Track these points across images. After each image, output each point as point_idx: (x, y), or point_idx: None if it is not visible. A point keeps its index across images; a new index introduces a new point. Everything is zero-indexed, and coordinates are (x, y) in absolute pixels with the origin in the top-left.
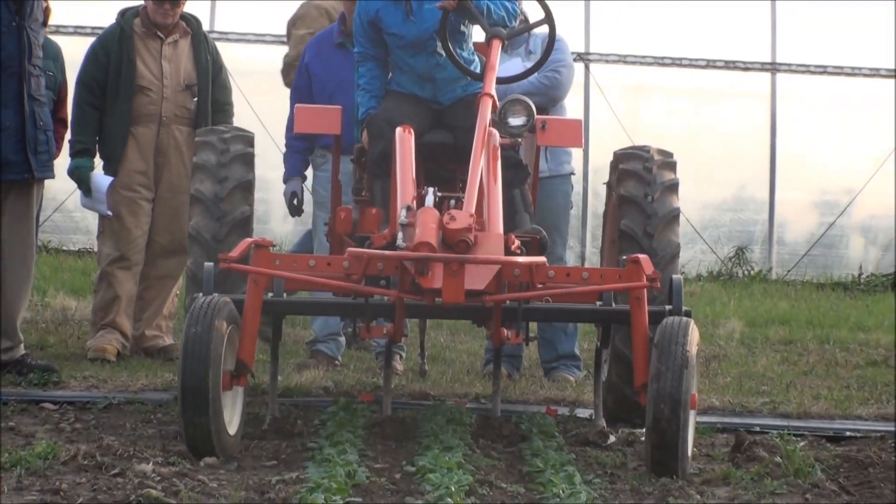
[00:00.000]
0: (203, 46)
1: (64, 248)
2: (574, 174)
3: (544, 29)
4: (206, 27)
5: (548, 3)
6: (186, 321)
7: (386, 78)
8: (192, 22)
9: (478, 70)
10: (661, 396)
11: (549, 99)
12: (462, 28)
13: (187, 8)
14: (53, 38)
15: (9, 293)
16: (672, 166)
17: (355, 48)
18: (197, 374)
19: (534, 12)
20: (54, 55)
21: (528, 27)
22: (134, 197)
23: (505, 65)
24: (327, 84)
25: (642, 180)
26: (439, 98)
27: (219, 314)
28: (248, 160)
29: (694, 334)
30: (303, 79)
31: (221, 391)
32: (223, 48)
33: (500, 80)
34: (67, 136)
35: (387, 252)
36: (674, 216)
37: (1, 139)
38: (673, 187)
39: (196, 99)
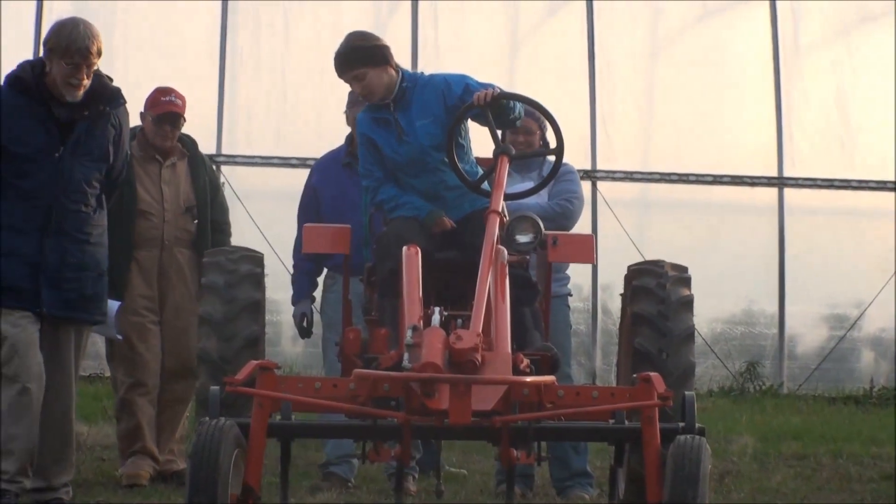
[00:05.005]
0: (201, 168)
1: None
2: (571, 295)
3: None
4: (212, 150)
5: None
6: (192, 446)
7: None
8: (188, 144)
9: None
10: None
11: (558, 226)
12: (460, 140)
13: (190, 130)
14: None
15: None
16: (686, 282)
17: (360, 168)
18: (203, 500)
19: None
20: None
21: (536, 153)
22: (141, 321)
23: (516, 186)
24: (336, 204)
25: (656, 297)
26: (448, 215)
27: (224, 438)
28: (256, 280)
29: (707, 457)
30: (309, 199)
31: None
32: (230, 171)
33: (505, 197)
34: None
35: (392, 373)
36: (689, 334)
37: (11, 264)
38: (688, 304)
39: (196, 221)
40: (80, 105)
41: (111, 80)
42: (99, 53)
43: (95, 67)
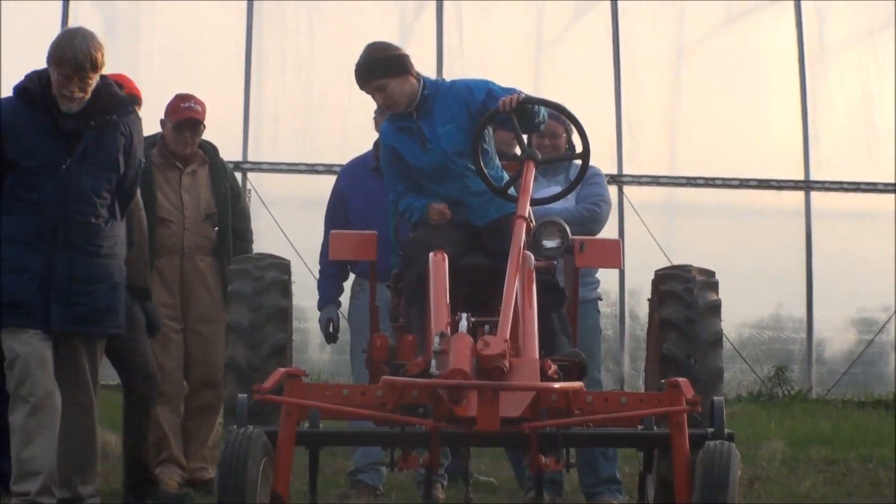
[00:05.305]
0: (222, 175)
1: (102, 382)
2: (601, 299)
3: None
4: (238, 157)
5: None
6: (220, 454)
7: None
8: (209, 150)
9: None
10: None
11: (586, 230)
12: (485, 146)
13: (216, 137)
14: None
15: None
16: (714, 286)
17: (385, 182)
18: None
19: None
20: None
21: (563, 157)
22: (164, 330)
23: (543, 190)
24: (364, 209)
25: (683, 302)
26: (473, 221)
27: (252, 446)
28: (283, 287)
29: (736, 462)
30: (337, 205)
31: None
32: (256, 178)
33: (532, 202)
34: None
35: (419, 380)
36: (716, 339)
37: (20, 281)
38: (715, 309)
39: (217, 228)
40: (86, 115)
41: (121, 87)
42: (95, 67)
43: (93, 82)
